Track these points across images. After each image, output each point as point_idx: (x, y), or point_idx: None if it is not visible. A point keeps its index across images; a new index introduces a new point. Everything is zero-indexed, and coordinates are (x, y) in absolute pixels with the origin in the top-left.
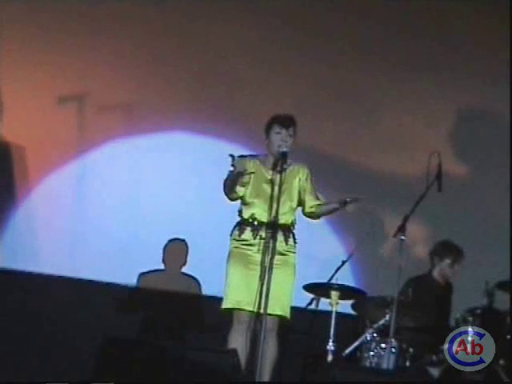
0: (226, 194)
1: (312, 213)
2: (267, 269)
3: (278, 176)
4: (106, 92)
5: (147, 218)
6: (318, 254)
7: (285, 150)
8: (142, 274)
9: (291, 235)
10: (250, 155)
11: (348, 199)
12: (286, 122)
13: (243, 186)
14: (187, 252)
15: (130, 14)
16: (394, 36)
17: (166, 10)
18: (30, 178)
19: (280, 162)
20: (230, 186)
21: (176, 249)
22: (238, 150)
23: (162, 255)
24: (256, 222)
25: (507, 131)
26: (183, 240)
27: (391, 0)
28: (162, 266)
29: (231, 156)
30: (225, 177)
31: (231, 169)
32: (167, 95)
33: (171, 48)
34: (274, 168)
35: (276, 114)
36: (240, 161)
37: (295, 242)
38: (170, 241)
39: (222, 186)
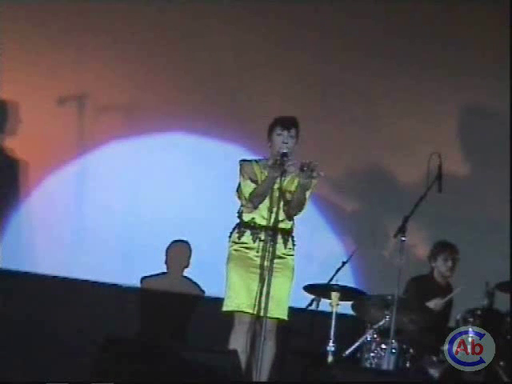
0: (255, 202)
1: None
2: (268, 272)
3: (279, 180)
4: (106, 93)
5: (147, 219)
6: (318, 255)
7: (284, 150)
8: (144, 278)
9: (290, 239)
10: (254, 160)
11: (305, 168)
12: (288, 123)
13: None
14: (190, 254)
15: (130, 14)
16: (394, 37)
17: (167, 11)
18: (30, 178)
19: (279, 162)
20: (263, 193)
21: (179, 251)
22: (239, 151)
23: (164, 256)
24: (256, 226)
25: (507, 131)
26: (187, 242)
27: (391, 1)
28: (162, 267)
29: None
30: (224, 178)
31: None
32: (167, 96)
33: (171, 49)
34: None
35: (279, 116)
36: (247, 165)
37: (294, 245)
38: (174, 242)
39: (220, 187)
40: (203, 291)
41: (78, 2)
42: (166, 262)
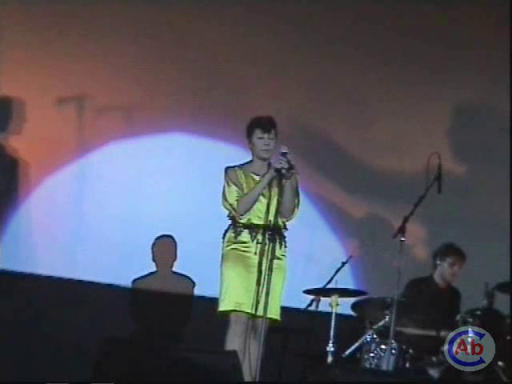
0: (241, 209)
1: None
2: (267, 271)
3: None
4: (105, 93)
5: (146, 220)
6: (317, 255)
7: (278, 166)
8: (135, 280)
9: (283, 239)
10: (237, 166)
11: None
12: (267, 126)
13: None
14: (176, 247)
15: (129, 15)
16: (393, 37)
17: (167, 12)
18: (30, 179)
19: (277, 180)
20: (252, 200)
21: (165, 246)
22: (239, 152)
23: (151, 254)
24: (253, 225)
25: (507, 131)
26: (170, 236)
27: (390, 1)
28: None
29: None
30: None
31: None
32: (167, 97)
33: (171, 49)
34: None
35: (256, 117)
36: (231, 172)
37: (286, 247)
38: (158, 238)
39: (220, 188)
40: (194, 283)
41: (77, 2)
42: (154, 260)
